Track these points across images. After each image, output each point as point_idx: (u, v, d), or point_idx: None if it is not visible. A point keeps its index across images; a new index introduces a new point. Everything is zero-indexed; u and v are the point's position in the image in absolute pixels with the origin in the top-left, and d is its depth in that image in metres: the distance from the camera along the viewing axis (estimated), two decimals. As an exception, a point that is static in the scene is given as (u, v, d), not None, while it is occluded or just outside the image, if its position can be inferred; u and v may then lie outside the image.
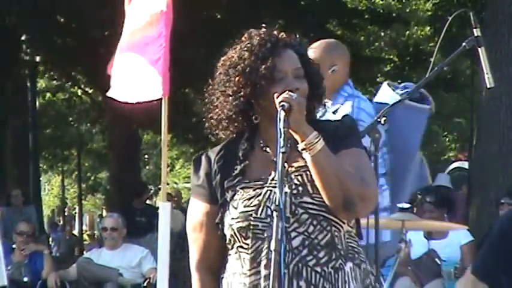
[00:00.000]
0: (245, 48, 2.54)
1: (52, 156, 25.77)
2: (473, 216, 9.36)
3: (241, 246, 2.49)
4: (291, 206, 2.43)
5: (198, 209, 2.59)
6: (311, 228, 2.43)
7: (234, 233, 2.49)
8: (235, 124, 2.57)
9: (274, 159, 2.43)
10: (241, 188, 2.51)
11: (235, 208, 2.49)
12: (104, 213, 21.12)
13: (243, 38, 2.57)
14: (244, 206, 2.48)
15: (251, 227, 2.47)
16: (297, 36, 2.60)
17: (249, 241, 2.48)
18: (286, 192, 2.42)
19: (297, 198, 2.43)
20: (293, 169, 2.47)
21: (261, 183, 2.50)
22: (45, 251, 7.89)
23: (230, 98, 2.53)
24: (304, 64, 2.53)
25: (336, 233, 2.46)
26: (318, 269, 2.42)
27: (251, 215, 2.47)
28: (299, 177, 2.46)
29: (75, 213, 34.64)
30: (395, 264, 5.48)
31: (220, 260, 2.57)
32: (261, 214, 2.46)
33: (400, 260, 5.59)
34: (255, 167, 2.53)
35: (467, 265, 6.76)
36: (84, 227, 29.06)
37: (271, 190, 2.47)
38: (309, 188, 2.45)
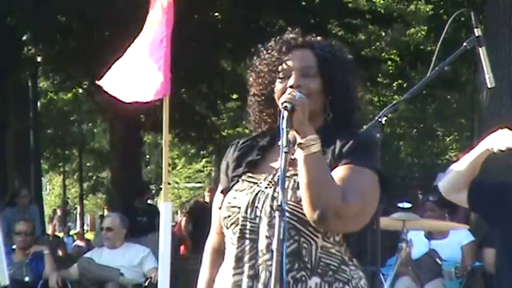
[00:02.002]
0: (264, 51, 2.60)
1: (53, 156, 25.79)
2: (474, 216, 9.35)
3: (226, 235, 2.55)
4: (268, 208, 2.44)
5: (217, 193, 2.66)
6: None
7: (221, 221, 2.55)
8: (263, 122, 2.62)
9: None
10: (243, 180, 2.55)
11: (227, 198, 2.54)
12: (105, 213, 21.13)
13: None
14: (233, 198, 2.53)
15: (237, 223, 2.49)
16: (329, 41, 2.61)
17: (230, 233, 2.52)
18: (268, 194, 2.46)
19: (273, 201, 2.43)
20: (289, 174, 2.45)
21: (261, 179, 2.52)
22: (46, 251, 7.88)
23: (253, 97, 2.61)
24: (322, 65, 2.52)
25: (305, 245, 2.43)
26: None
27: (234, 207, 2.51)
28: (286, 182, 2.43)
29: (76, 212, 34.66)
30: (396, 264, 5.49)
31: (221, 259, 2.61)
32: (250, 214, 2.47)
33: (400, 260, 5.60)
34: (268, 163, 2.54)
35: (468, 265, 6.78)
36: (85, 227, 29.06)
37: (262, 190, 2.49)
38: (289, 194, 2.43)
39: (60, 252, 15.22)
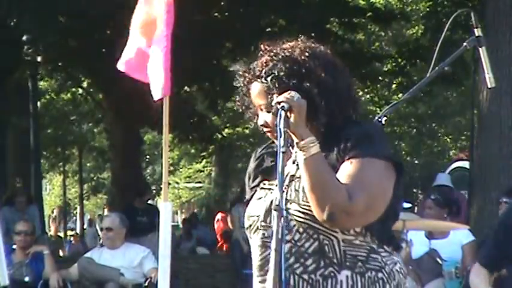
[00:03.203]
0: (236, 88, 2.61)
1: (53, 155, 25.77)
2: (474, 216, 9.36)
3: (251, 244, 2.56)
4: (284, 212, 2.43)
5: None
6: (297, 235, 2.42)
7: (245, 231, 2.57)
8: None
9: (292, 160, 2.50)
10: (260, 188, 2.57)
11: (248, 208, 2.56)
12: (105, 213, 21.13)
13: None
14: (251, 206, 2.55)
15: (257, 231, 2.51)
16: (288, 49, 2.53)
17: (253, 241, 2.53)
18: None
19: (286, 204, 2.42)
20: (300, 176, 2.46)
21: (274, 184, 2.51)
22: (46, 251, 7.88)
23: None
24: (269, 95, 2.47)
25: (326, 241, 2.43)
26: (305, 276, 2.41)
27: (252, 216, 2.52)
28: (297, 184, 2.46)
29: (77, 212, 34.61)
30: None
31: None
32: (269, 222, 2.47)
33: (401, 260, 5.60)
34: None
35: (468, 265, 6.77)
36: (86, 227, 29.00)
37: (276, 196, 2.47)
38: (300, 195, 2.44)
39: (61, 253, 15.27)
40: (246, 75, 2.54)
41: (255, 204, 2.54)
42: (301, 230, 2.43)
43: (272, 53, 2.51)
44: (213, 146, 18.27)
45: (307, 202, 2.40)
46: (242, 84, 2.56)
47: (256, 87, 2.51)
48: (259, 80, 2.50)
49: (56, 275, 7.53)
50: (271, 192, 2.51)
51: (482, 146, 9.54)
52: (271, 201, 2.48)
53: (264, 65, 2.50)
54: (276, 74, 2.47)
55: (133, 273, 7.44)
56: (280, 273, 2.29)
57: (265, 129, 2.49)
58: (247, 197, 2.63)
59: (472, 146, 10.22)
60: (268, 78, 2.47)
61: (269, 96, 2.47)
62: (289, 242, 2.41)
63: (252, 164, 2.65)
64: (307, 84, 2.44)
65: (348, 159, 2.41)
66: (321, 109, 2.45)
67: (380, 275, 2.47)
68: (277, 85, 2.46)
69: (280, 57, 2.49)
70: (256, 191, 2.57)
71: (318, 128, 2.47)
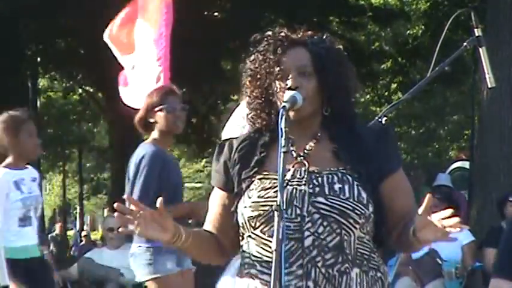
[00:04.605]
0: (256, 51, 2.58)
1: (53, 155, 25.77)
2: (474, 216, 9.36)
3: (250, 236, 2.51)
4: (307, 206, 2.42)
5: (213, 193, 2.65)
6: (321, 228, 2.41)
7: (245, 222, 2.50)
8: (259, 120, 2.59)
9: (295, 154, 2.50)
10: (259, 179, 2.52)
11: (250, 197, 2.50)
12: (105, 213, 21.12)
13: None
14: (258, 197, 2.48)
15: (268, 223, 2.45)
16: (320, 34, 2.59)
17: (258, 233, 2.48)
18: (305, 191, 2.43)
19: (311, 197, 2.42)
20: (316, 170, 2.47)
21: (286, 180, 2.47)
22: (45, 251, 7.87)
23: (249, 99, 2.59)
24: (317, 62, 2.50)
25: (346, 237, 2.43)
26: (323, 270, 2.41)
27: (264, 206, 2.46)
28: (319, 179, 2.45)
29: (76, 212, 34.65)
30: (396, 264, 5.48)
31: (218, 244, 2.61)
32: (291, 214, 2.43)
33: (401, 260, 5.60)
34: (275, 159, 2.47)
35: (468, 265, 6.78)
36: (85, 227, 29.06)
37: (296, 188, 2.45)
38: (326, 189, 2.43)
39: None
40: (288, 40, 2.55)
41: (263, 195, 2.48)
42: (325, 223, 2.41)
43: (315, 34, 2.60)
44: (212, 147, 18.26)
45: (335, 196, 2.42)
46: (278, 48, 2.55)
47: (298, 52, 2.54)
48: (306, 46, 2.53)
49: (55, 275, 7.53)
50: (290, 184, 2.47)
51: (482, 146, 9.55)
52: (291, 193, 2.45)
53: (312, 37, 2.57)
54: (325, 47, 2.55)
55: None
56: (280, 273, 2.28)
57: (288, 92, 2.47)
58: (224, 184, 2.59)
59: (472, 146, 10.23)
60: (318, 47, 2.52)
61: (312, 63, 2.51)
62: (312, 234, 2.40)
63: (230, 153, 2.60)
64: (342, 68, 2.54)
65: (388, 173, 2.50)
66: (335, 97, 2.51)
67: (379, 274, 2.50)
68: (321, 59, 2.51)
69: (326, 36, 2.61)
70: (251, 181, 2.53)
71: (324, 117, 2.52)
